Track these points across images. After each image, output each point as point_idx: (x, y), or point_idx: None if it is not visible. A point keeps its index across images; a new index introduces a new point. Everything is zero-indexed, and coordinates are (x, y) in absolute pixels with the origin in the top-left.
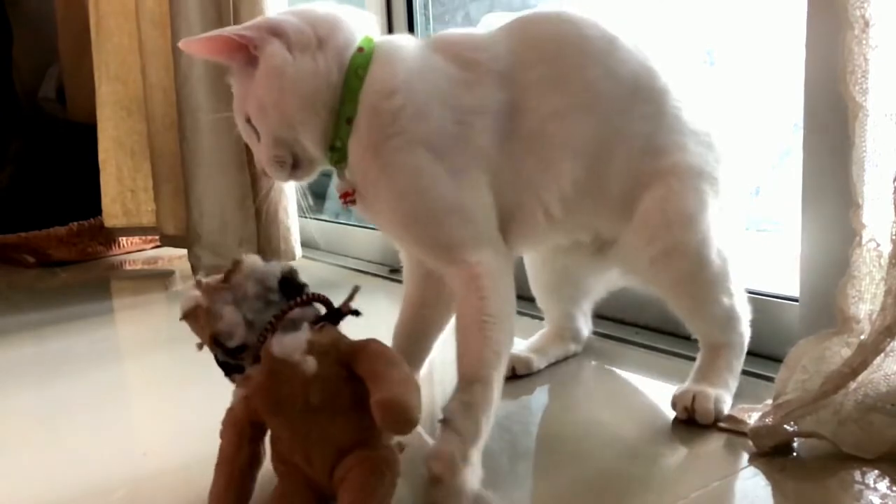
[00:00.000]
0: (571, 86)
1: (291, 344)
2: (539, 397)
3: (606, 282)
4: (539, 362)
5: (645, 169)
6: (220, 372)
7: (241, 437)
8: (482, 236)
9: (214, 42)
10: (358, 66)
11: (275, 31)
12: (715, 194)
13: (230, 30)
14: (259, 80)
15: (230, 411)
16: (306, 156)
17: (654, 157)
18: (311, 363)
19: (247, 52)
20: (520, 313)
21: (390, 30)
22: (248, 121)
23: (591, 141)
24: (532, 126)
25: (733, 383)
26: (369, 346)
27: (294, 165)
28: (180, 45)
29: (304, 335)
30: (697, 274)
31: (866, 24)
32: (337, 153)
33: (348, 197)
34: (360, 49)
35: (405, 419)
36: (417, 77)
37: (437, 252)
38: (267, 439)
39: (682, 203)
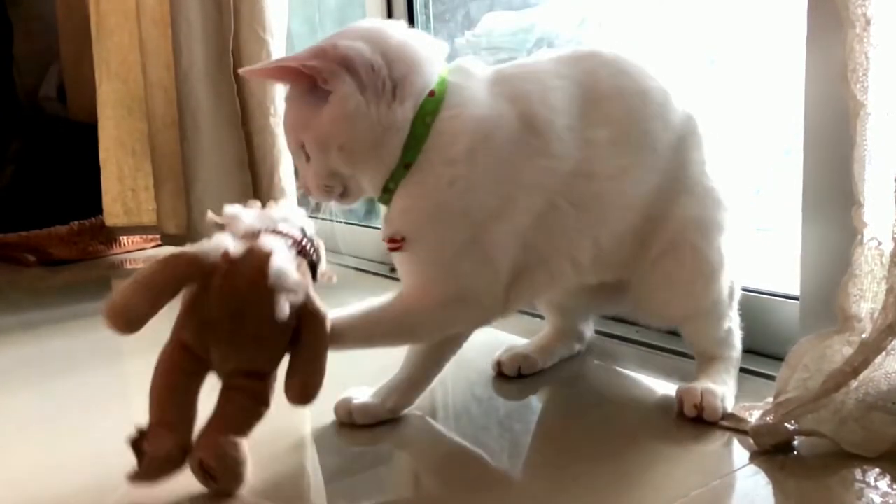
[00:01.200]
0: (634, 145)
1: (283, 254)
2: (540, 396)
3: (613, 307)
4: (543, 362)
5: (671, 214)
6: None
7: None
8: (484, 290)
9: (279, 72)
10: (427, 113)
11: (346, 64)
12: (726, 232)
13: (297, 59)
14: (326, 118)
15: None
16: (358, 189)
17: (679, 204)
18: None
19: (310, 80)
20: (521, 312)
21: None
22: (302, 146)
23: (648, 195)
24: (590, 189)
25: (733, 385)
26: (320, 321)
27: (342, 195)
28: (242, 72)
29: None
30: (709, 309)
31: (867, 22)
32: (388, 194)
33: (394, 244)
34: (432, 93)
35: (305, 403)
36: (482, 146)
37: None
38: None
39: (706, 264)
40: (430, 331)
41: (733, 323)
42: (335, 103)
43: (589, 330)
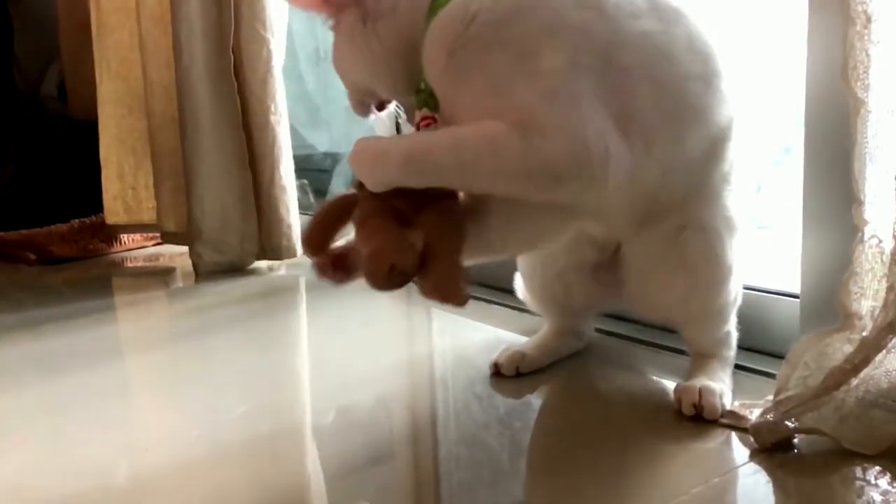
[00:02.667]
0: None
1: None
2: (540, 394)
3: (612, 306)
4: (541, 360)
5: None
6: (218, 370)
7: None
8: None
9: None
10: (439, 5)
11: None
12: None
13: None
14: (334, 48)
15: None
16: (392, 97)
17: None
18: None
19: (333, 11)
20: (521, 310)
21: None
22: None
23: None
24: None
25: (730, 382)
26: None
27: (379, 107)
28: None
29: None
30: (716, 312)
31: (868, 19)
32: (423, 93)
33: (426, 121)
34: None
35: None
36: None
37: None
38: None
39: (721, 265)
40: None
41: (732, 325)
42: (338, 34)
43: (589, 328)
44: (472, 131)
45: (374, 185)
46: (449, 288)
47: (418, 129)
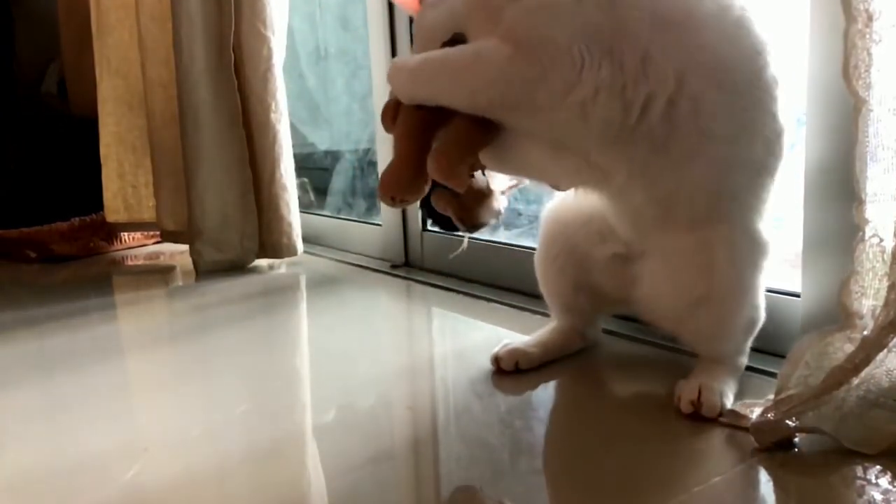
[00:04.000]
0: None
1: None
2: (540, 393)
3: (622, 309)
4: (542, 356)
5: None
6: (218, 368)
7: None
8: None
9: None
10: None
11: None
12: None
13: None
14: None
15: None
16: None
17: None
18: None
19: None
20: (522, 309)
21: (391, 20)
22: None
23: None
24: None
25: (735, 382)
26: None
27: None
28: None
29: None
30: (728, 334)
31: (869, 18)
32: None
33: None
34: None
35: None
36: None
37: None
38: None
39: (743, 284)
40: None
41: (749, 339)
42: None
43: (595, 330)
44: (463, 47)
45: (401, 98)
46: (456, 171)
47: None
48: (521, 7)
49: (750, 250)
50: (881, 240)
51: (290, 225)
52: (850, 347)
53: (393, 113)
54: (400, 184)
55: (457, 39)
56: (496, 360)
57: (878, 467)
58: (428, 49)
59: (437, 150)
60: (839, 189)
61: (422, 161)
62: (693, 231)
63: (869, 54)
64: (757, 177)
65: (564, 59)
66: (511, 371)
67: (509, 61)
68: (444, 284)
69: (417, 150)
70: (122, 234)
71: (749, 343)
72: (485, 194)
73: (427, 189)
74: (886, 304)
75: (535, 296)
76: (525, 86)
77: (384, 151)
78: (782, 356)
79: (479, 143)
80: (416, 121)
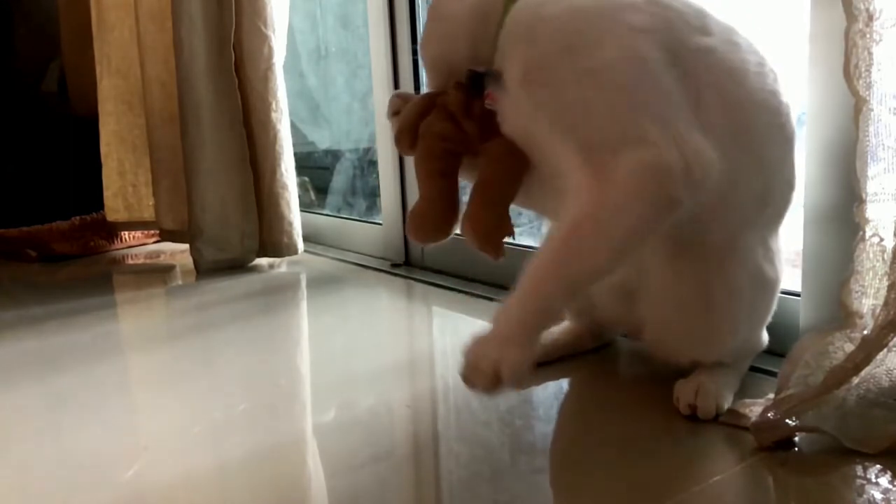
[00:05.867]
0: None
1: None
2: (541, 392)
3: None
4: (548, 354)
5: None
6: (219, 367)
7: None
8: (639, 129)
9: None
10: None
11: None
12: None
13: None
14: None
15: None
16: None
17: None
18: None
19: None
20: None
21: (392, 18)
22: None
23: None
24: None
25: (735, 383)
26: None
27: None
28: None
29: None
30: (734, 353)
31: (870, 17)
32: (489, 76)
33: (489, 97)
34: None
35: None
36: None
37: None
38: None
39: (752, 309)
40: (637, 218)
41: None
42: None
43: (610, 331)
44: (562, 233)
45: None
46: (492, 240)
47: (483, 103)
48: (592, 82)
49: (758, 288)
50: (881, 239)
51: (290, 224)
52: (850, 347)
53: (410, 138)
54: (426, 229)
55: (487, 73)
56: None
57: (878, 467)
58: (442, 76)
59: (471, 215)
60: (839, 188)
61: (448, 203)
62: (707, 258)
63: (869, 53)
64: (774, 224)
65: (670, 155)
66: None
67: (630, 205)
68: (445, 283)
69: (442, 193)
70: (122, 232)
71: (759, 340)
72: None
73: (455, 228)
74: (886, 303)
75: None
76: (654, 210)
77: (384, 150)
78: (782, 355)
79: (509, 197)
80: (439, 163)
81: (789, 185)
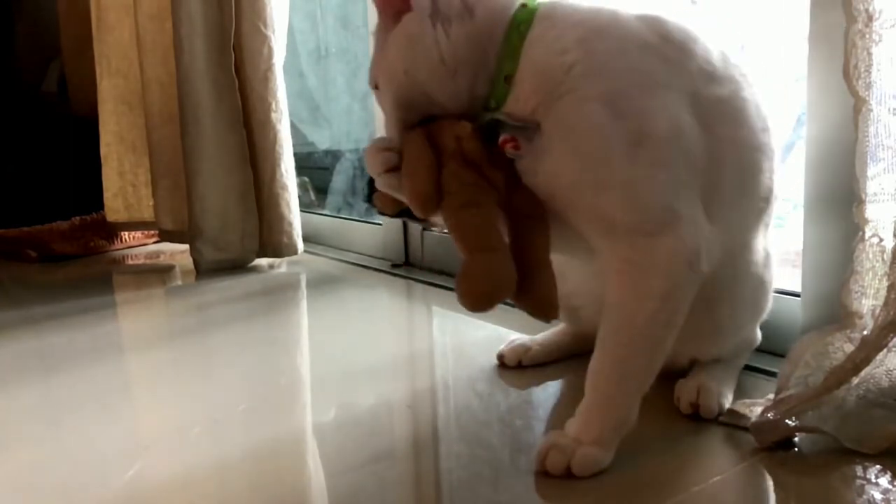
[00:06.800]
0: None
1: None
2: (541, 392)
3: None
4: (547, 355)
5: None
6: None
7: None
8: (675, 209)
9: None
10: (521, 21)
11: None
12: None
13: None
14: (384, 49)
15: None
16: (441, 111)
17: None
18: None
19: (395, 10)
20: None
21: None
22: (377, 87)
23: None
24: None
25: (734, 381)
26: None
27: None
28: None
29: None
30: (732, 351)
31: (869, 17)
32: (500, 116)
33: (511, 143)
34: (524, 5)
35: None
36: (595, 35)
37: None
38: None
39: (747, 311)
40: (687, 287)
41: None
42: (399, 28)
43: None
44: (621, 337)
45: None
46: (550, 304)
47: (502, 148)
48: (644, 158)
49: (758, 286)
50: (881, 239)
51: (290, 224)
52: (850, 347)
53: (437, 197)
54: (503, 285)
55: (525, 126)
56: (500, 356)
57: (878, 467)
58: (411, 112)
59: (522, 285)
60: (839, 189)
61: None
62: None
63: (869, 54)
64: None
65: (698, 237)
66: (514, 367)
67: (674, 293)
68: (445, 283)
69: (500, 239)
70: (122, 233)
71: (756, 335)
72: None
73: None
74: (886, 303)
75: None
76: (692, 288)
77: None
78: (782, 355)
79: (549, 237)
80: (484, 210)
81: (773, 192)
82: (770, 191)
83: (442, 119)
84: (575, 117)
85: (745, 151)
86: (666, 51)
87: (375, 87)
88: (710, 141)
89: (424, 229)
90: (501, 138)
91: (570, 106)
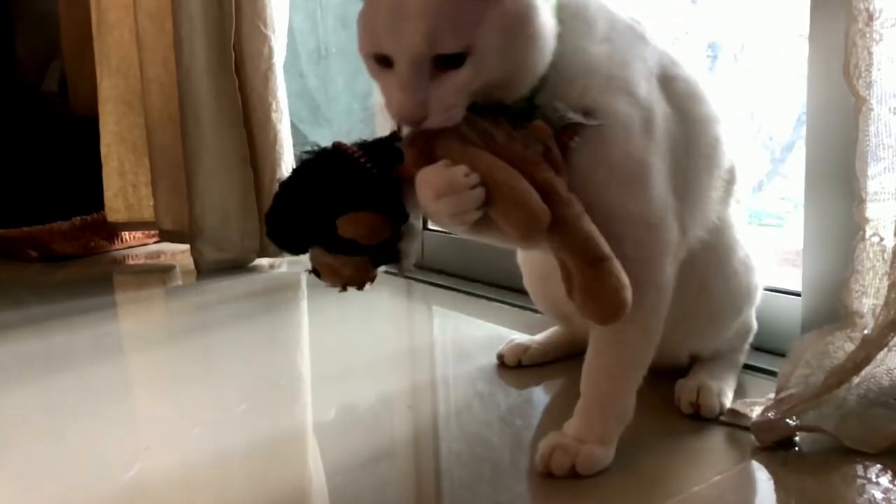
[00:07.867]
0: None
1: None
2: (541, 392)
3: None
4: (546, 354)
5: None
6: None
7: None
8: (665, 198)
9: None
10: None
11: None
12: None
13: None
14: (496, 20)
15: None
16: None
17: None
18: None
19: None
20: (523, 307)
21: None
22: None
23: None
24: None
25: (734, 379)
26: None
27: None
28: None
29: None
30: (726, 341)
31: (870, 17)
32: (556, 114)
33: (569, 135)
34: None
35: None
36: (610, 27)
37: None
38: None
39: (734, 300)
40: (673, 273)
41: (748, 335)
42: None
43: None
44: (617, 352)
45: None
46: (621, 303)
47: (560, 143)
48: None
49: (748, 268)
50: (881, 239)
51: None
52: (850, 346)
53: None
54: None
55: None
56: (500, 356)
57: (879, 466)
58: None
59: (584, 287)
60: (839, 188)
61: None
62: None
63: (869, 53)
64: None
65: (668, 248)
66: (514, 367)
67: (651, 311)
68: (445, 283)
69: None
70: (122, 233)
71: (752, 320)
72: None
73: None
74: (887, 303)
75: None
76: (672, 276)
77: None
78: (782, 355)
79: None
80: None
81: (734, 163)
82: (731, 161)
83: (446, 130)
84: (604, 109)
85: (710, 126)
86: (644, 34)
87: (459, 53)
88: (683, 121)
89: (424, 228)
90: (565, 133)
91: (598, 98)
